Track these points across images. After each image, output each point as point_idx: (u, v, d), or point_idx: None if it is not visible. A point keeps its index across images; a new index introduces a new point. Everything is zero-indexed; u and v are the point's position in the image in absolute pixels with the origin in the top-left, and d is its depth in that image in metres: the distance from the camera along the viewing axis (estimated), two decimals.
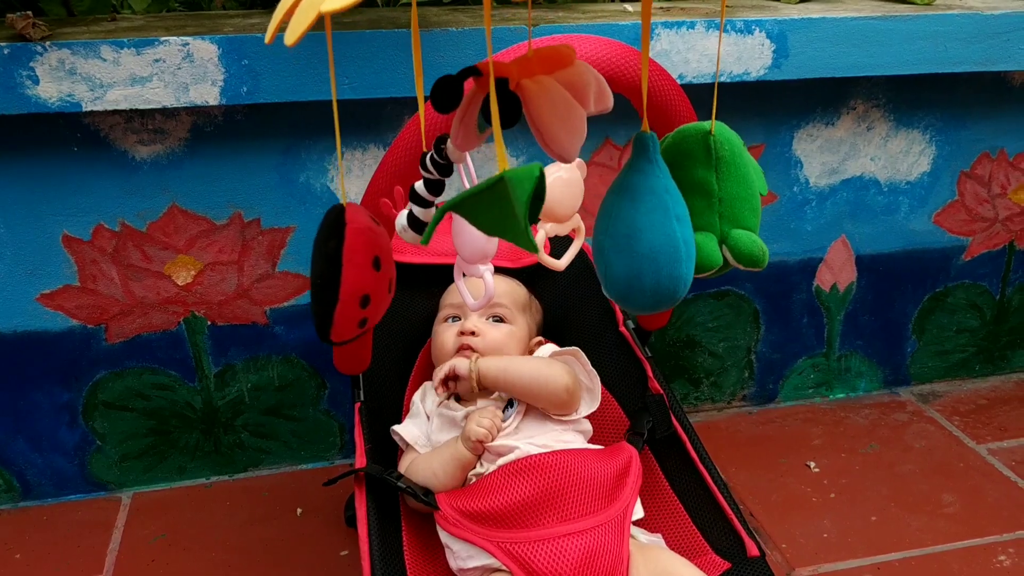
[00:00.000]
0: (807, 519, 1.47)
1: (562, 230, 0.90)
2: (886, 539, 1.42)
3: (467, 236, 0.88)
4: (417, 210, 0.72)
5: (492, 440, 1.02)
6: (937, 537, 1.43)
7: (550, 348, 1.15)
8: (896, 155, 1.65)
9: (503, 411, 1.06)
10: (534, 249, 0.55)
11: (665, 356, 1.69)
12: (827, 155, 1.61)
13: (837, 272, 1.71)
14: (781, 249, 1.67)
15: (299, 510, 1.49)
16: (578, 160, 0.90)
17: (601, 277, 0.52)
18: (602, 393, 1.12)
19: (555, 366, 1.08)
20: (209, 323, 1.48)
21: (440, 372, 1.07)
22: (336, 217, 0.60)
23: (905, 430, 1.71)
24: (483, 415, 1.03)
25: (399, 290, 1.27)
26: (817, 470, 1.59)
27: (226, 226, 1.43)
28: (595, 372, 1.11)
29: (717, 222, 0.59)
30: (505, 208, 0.53)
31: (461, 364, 1.06)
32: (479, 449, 1.02)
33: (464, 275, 0.93)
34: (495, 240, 0.87)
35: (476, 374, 1.04)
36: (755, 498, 1.52)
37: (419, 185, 0.71)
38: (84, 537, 1.45)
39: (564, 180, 0.87)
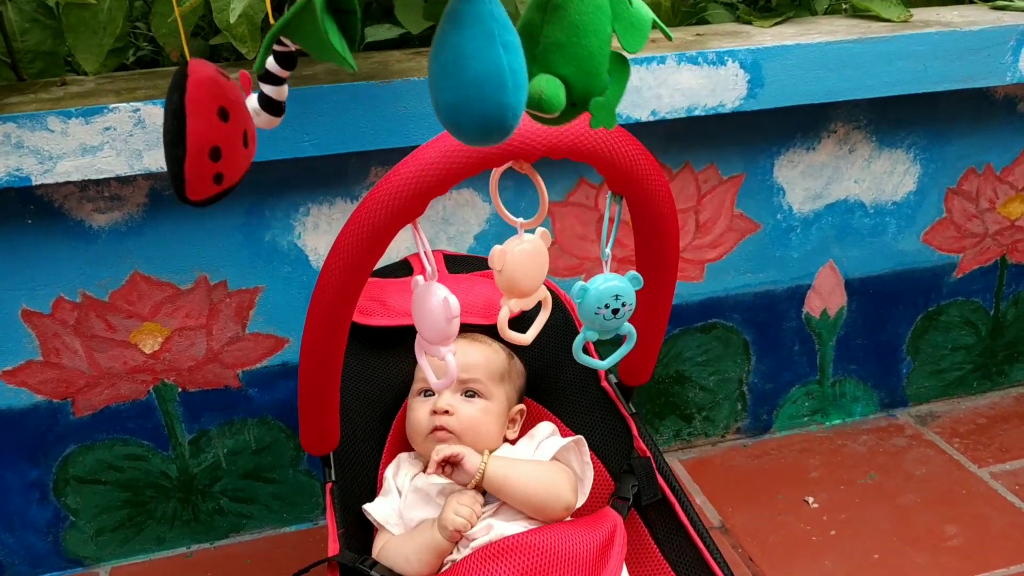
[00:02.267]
0: (808, 561, 1.42)
1: (527, 304, 0.85)
2: None
3: (427, 317, 0.84)
4: (269, 89, 0.69)
5: (471, 529, 0.97)
6: (942, 573, 1.38)
7: (548, 428, 1.10)
8: (880, 176, 1.60)
9: (483, 494, 1.00)
10: (351, 66, 0.60)
11: (655, 393, 1.65)
12: (810, 180, 1.57)
13: (826, 298, 1.67)
14: (768, 278, 1.62)
15: None
16: (541, 230, 0.86)
17: (434, 106, 0.51)
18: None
19: (563, 482, 1.02)
20: (180, 390, 1.43)
21: (443, 452, 1.00)
22: (179, 72, 0.59)
23: (905, 456, 1.67)
24: (462, 502, 0.98)
25: (371, 355, 1.23)
26: (816, 505, 1.54)
27: (192, 290, 1.38)
28: (590, 464, 1.07)
29: (531, 65, 0.57)
30: (317, 25, 0.59)
31: (472, 460, 0.99)
32: (456, 537, 0.98)
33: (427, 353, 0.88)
34: (455, 321, 0.82)
35: (481, 476, 0.99)
36: (754, 540, 1.47)
37: (270, 62, 0.67)
38: None
39: (528, 252, 0.83)
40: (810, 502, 1.55)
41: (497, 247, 0.81)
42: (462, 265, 1.28)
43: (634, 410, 1.14)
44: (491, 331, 1.18)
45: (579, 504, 1.06)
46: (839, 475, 1.62)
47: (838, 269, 1.65)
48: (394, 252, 1.43)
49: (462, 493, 0.99)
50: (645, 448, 1.10)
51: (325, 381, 0.92)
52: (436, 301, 0.83)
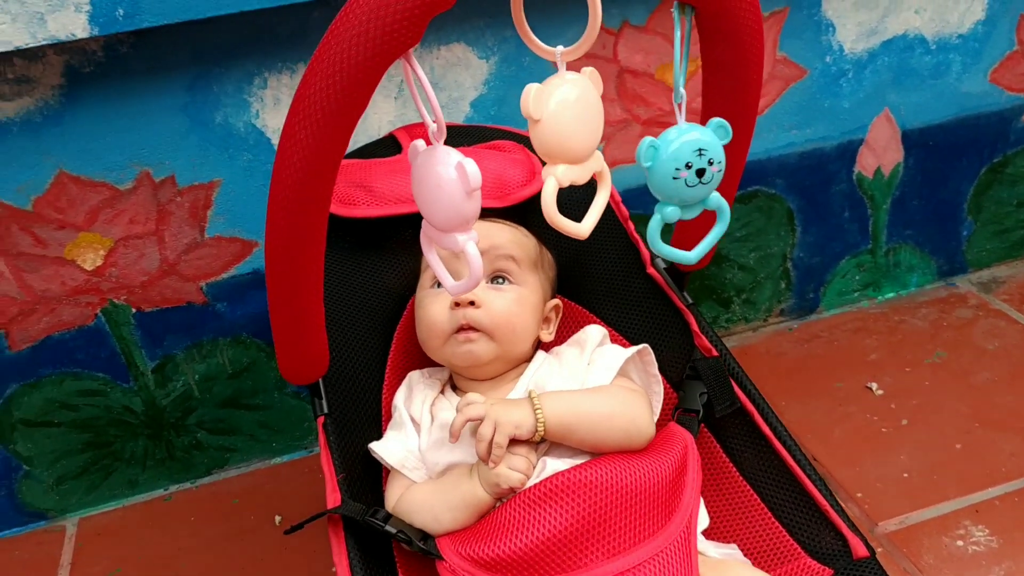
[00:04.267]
0: (881, 457, 1.23)
1: (581, 175, 0.62)
2: (978, 471, 1.19)
3: (436, 194, 0.60)
4: None
5: (527, 482, 0.75)
6: None
7: (598, 333, 0.86)
8: (945, 3, 1.35)
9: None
10: None
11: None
12: (863, 13, 1.31)
13: (881, 153, 1.44)
14: (815, 134, 1.38)
15: (278, 518, 1.24)
16: (589, 69, 0.61)
17: None
18: None
19: (639, 414, 0.79)
20: (134, 310, 1.20)
21: (487, 432, 0.73)
22: None
23: (972, 329, 1.47)
24: (518, 452, 0.75)
25: (358, 254, 0.99)
26: (881, 392, 1.35)
27: (133, 190, 1.13)
28: (658, 377, 0.85)
29: None
30: None
31: (526, 420, 0.74)
32: (505, 494, 0.76)
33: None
34: (476, 195, 0.59)
35: (542, 431, 0.75)
36: (814, 436, 1.28)
37: None
38: None
39: (572, 102, 0.58)
40: (874, 389, 1.35)
41: (533, 85, 0.57)
42: (461, 137, 1.04)
43: (691, 300, 0.92)
44: (506, 213, 0.96)
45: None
46: (902, 355, 1.42)
47: (894, 119, 1.41)
48: (375, 128, 1.18)
49: (516, 450, 0.76)
50: (710, 345, 0.88)
51: (302, 291, 0.69)
52: (447, 169, 0.59)
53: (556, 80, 0.58)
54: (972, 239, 1.57)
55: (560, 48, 0.59)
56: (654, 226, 0.67)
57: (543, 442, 0.78)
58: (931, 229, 1.54)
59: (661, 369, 0.89)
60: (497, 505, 0.76)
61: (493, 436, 0.73)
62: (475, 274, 0.61)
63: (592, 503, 0.73)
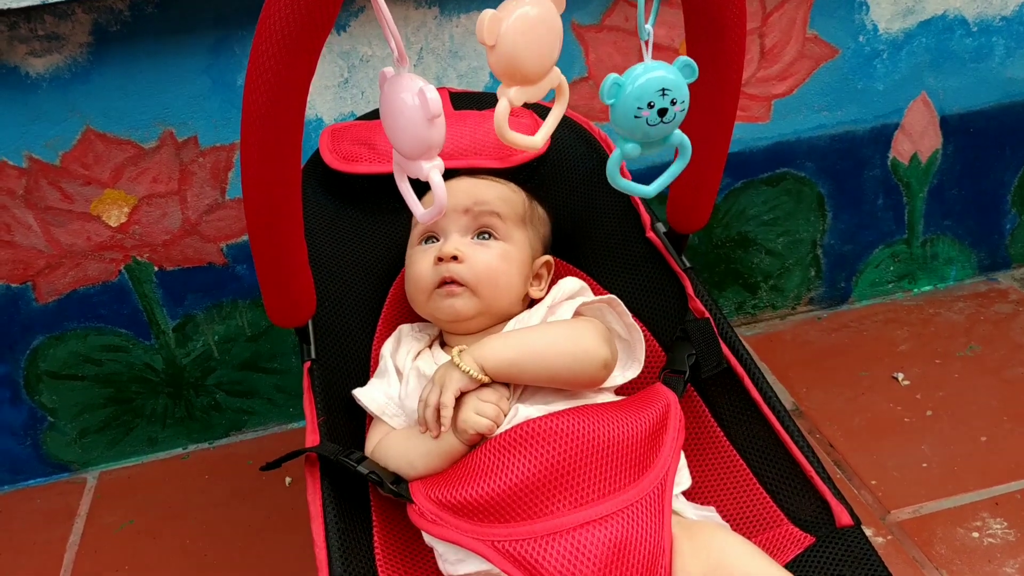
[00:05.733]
0: (901, 446, 1.19)
1: (536, 93, 0.61)
2: (1002, 464, 1.15)
3: (399, 120, 0.61)
4: None
5: (497, 429, 0.75)
6: None
7: (572, 285, 0.87)
8: None
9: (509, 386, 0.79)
10: None
11: (713, 260, 1.40)
12: None
13: (917, 139, 1.39)
14: (847, 116, 1.35)
15: (288, 479, 1.26)
16: None
17: None
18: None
19: (587, 335, 0.78)
20: (156, 268, 1.23)
21: (429, 404, 0.76)
22: None
23: (1011, 324, 1.41)
24: (485, 398, 0.75)
25: (360, 210, 1.00)
26: (907, 383, 1.31)
27: (157, 149, 1.16)
28: (636, 326, 0.83)
29: None
30: None
31: (449, 375, 0.75)
32: (476, 440, 0.76)
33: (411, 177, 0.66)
34: (439, 121, 0.59)
35: (478, 371, 0.75)
36: (834, 423, 1.25)
37: None
38: (42, 530, 1.24)
39: (532, 19, 0.58)
40: (900, 379, 1.31)
41: (488, 11, 0.57)
42: (471, 103, 1.04)
43: (688, 264, 0.90)
44: (506, 176, 0.96)
45: (634, 374, 0.83)
46: (933, 347, 1.37)
47: (932, 103, 1.37)
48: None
49: (486, 390, 0.77)
50: (703, 308, 0.87)
51: (278, 225, 0.70)
52: (410, 96, 0.59)
53: (512, 3, 0.58)
54: (1016, 233, 1.51)
55: None
56: (614, 161, 0.67)
57: (510, 388, 0.77)
58: (971, 220, 1.49)
59: (653, 331, 0.88)
60: (469, 452, 0.76)
61: (440, 398, 0.74)
62: (439, 201, 0.61)
63: (560, 452, 0.72)
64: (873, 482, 1.14)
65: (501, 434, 0.74)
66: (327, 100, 1.18)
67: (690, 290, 0.89)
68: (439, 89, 1.07)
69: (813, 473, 0.78)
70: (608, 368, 0.78)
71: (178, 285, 1.25)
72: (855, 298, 1.50)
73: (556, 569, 0.69)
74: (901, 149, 1.39)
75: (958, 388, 1.29)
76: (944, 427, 1.22)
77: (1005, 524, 1.06)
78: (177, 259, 1.23)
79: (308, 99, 1.16)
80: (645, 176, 0.71)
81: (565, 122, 1.00)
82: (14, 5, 0.99)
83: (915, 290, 1.51)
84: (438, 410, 0.75)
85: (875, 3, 1.28)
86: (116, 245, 1.21)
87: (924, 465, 1.16)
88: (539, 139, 0.63)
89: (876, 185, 1.41)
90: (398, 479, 0.78)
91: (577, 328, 0.79)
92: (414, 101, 0.59)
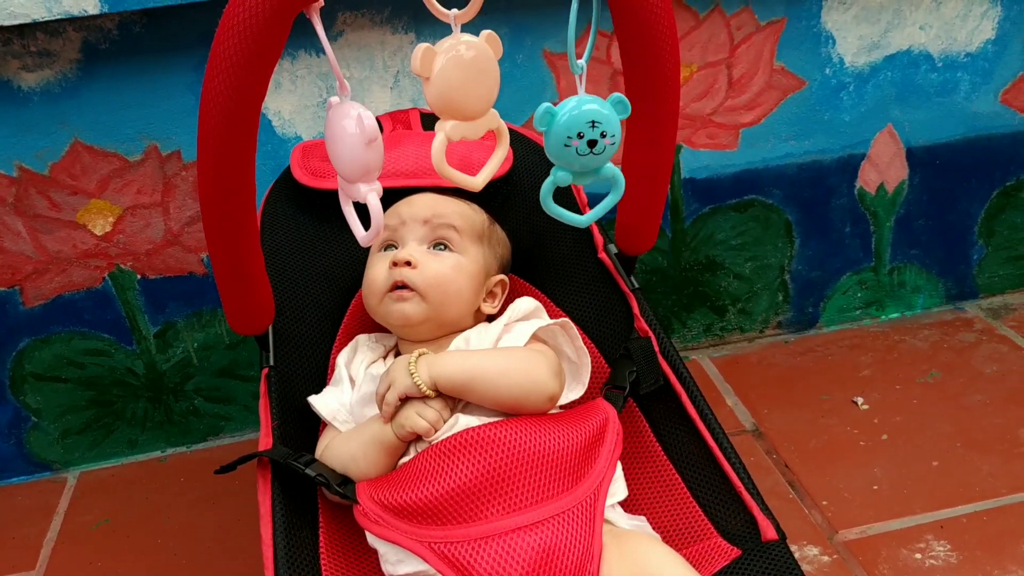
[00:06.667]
0: (853, 468, 1.23)
1: (473, 132, 0.66)
2: (951, 489, 1.17)
3: (339, 145, 0.65)
4: None
5: (434, 434, 0.80)
6: (1015, 483, 1.17)
7: (527, 305, 0.90)
8: (952, 21, 1.34)
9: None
10: None
11: (681, 282, 1.44)
12: (865, 26, 1.32)
13: (884, 170, 1.43)
14: (814, 146, 1.39)
15: None
16: (488, 32, 0.65)
17: None
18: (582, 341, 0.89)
19: (539, 368, 0.82)
20: (139, 276, 1.28)
21: (386, 396, 0.81)
22: None
23: (973, 353, 1.44)
24: (428, 408, 0.80)
25: (325, 224, 1.05)
26: (866, 407, 1.34)
27: (141, 162, 1.21)
28: (585, 350, 0.87)
29: None
30: None
31: (400, 377, 0.80)
32: (410, 438, 0.81)
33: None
34: (376, 145, 0.63)
35: (428, 385, 0.80)
36: (791, 445, 1.28)
37: None
38: (21, 525, 1.28)
39: (466, 60, 0.63)
40: (859, 403, 1.35)
41: (422, 45, 0.62)
42: None
43: (636, 285, 0.94)
44: (473, 198, 0.99)
45: (576, 396, 0.88)
46: (895, 373, 1.41)
47: (898, 135, 1.41)
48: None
49: (431, 401, 0.81)
50: (647, 327, 0.91)
51: (234, 237, 0.75)
52: (349, 122, 0.64)
53: (449, 41, 0.62)
54: (983, 263, 1.55)
55: (455, 11, 0.63)
56: (546, 188, 0.71)
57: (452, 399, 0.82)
58: (939, 250, 1.52)
59: (601, 349, 0.92)
60: (410, 450, 0.80)
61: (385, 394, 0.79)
62: (375, 223, 0.66)
63: (496, 459, 0.76)
64: (824, 502, 1.17)
65: (442, 441, 0.78)
66: (306, 119, 1.22)
67: (636, 310, 0.93)
68: (412, 110, 1.12)
69: (742, 488, 0.82)
70: (553, 401, 0.82)
71: (160, 293, 1.29)
72: (823, 323, 1.54)
73: (486, 571, 0.73)
74: (868, 179, 1.43)
75: (915, 413, 1.32)
76: (898, 451, 1.25)
77: (948, 547, 1.09)
78: (159, 268, 1.28)
79: (288, 119, 1.21)
80: (601, 200, 0.74)
81: (530, 144, 1.05)
82: (8, 23, 1.04)
83: (883, 317, 1.55)
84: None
85: (841, 37, 1.32)
86: (101, 253, 1.25)
87: (875, 487, 1.19)
88: (479, 180, 0.68)
89: (843, 213, 1.45)
90: (345, 481, 0.82)
91: (532, 359, 0.83)
92: (352, 127, 0.64)
